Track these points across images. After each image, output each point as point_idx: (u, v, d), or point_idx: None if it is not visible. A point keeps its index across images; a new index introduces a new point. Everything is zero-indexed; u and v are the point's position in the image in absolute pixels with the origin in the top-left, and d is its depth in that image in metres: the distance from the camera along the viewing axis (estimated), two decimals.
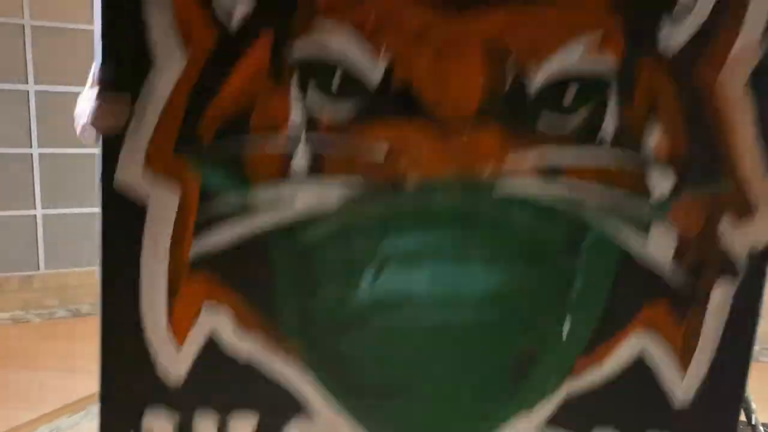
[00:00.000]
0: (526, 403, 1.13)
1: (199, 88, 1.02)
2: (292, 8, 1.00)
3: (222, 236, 1.05)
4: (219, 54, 1.02)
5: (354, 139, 1.03)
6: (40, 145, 4.24)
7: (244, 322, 1.09)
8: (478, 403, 1.15)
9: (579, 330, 1.11)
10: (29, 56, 4.14)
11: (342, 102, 1.03)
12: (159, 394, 1.11)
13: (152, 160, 1.03)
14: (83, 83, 1.42)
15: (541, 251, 1.09)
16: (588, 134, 1.03)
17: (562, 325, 1.11)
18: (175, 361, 1.10)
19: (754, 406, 1.63)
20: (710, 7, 0.98)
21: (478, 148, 1.03)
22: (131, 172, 1.03)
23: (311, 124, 1.02)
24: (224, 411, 1.11)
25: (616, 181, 1.04)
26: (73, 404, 2.99)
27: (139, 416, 1.12)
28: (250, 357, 1.10)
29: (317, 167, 1.03)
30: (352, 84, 1.02)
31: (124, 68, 1.02)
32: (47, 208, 4.32)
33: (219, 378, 1.11)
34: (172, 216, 1.04)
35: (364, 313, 1.09)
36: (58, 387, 3.17)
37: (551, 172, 1.04)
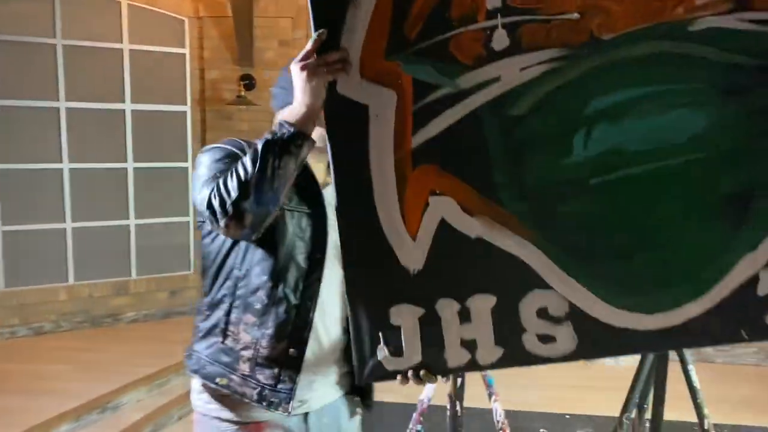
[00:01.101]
0: (748, 242, 1.15)
1: None
2: None
3: (439, 124, 1.10)
4: None
5: (548, 10, 1.08)
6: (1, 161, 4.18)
7: (468, 206, 1.13)
8: (703, 249, 1.16)
9: None
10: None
11: None
12: (401, 289, 1.14)
13: (366, 69, 1.09)
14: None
15: (739, 84, 1.12)
16: None
17: None
18: (412, 254, 1.13)
19: (706, 411, 1.64)
20: None
21: None
22: (349, 83, 1.09)
23: (506, 4, 1.07)
24: (463, 295, 1.14)
25: None
26: (37, 426, 2.92)
27: (386, 316, 1.14)
28: (479, 239, 1.13)
29: (517, 44, 1.08)
30: None
31: None
32: (7, 225, 4.24)
33: (454, 264, 1.14)
34: (392, 114, 1.10)
35: (580, 176, 1.13)
36: (22, 409, 3.10)
37: (740, 6, 1.09)
